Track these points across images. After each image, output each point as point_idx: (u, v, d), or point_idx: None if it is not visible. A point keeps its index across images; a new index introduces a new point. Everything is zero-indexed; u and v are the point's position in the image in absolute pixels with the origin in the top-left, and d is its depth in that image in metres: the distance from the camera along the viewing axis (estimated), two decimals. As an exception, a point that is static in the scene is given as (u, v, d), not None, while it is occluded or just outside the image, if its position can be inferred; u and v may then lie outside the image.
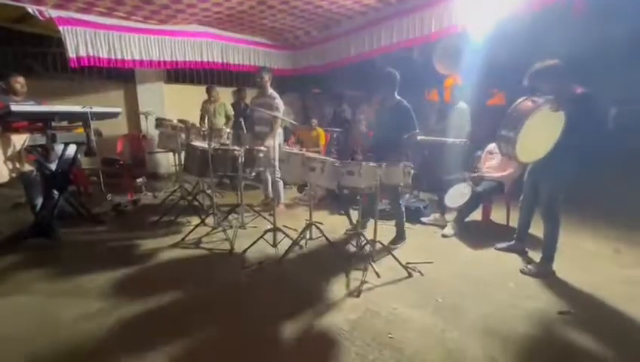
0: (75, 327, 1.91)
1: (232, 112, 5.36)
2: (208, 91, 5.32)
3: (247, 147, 3.28)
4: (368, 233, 3.12)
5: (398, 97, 3.01)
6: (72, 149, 3.28)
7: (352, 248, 2.94)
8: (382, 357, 1.70)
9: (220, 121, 5.26)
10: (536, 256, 2.75)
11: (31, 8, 3.68)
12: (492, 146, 3.69)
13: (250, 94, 6.18)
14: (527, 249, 2.93)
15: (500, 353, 1.74)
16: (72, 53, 4.08)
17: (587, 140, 2.24)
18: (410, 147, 3.04)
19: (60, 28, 3.94)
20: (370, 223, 3.27)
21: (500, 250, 2.98)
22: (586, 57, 2.31)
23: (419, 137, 3.11)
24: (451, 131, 4.49)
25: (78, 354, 1.72)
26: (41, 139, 2.79)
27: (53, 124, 2.81)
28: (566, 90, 2.28)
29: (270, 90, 3.89)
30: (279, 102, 3.83)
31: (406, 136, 2.92)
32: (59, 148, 3.15)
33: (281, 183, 4.12)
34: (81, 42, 4.12)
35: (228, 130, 3.89)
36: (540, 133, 2.27)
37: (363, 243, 2.81)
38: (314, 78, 7.07)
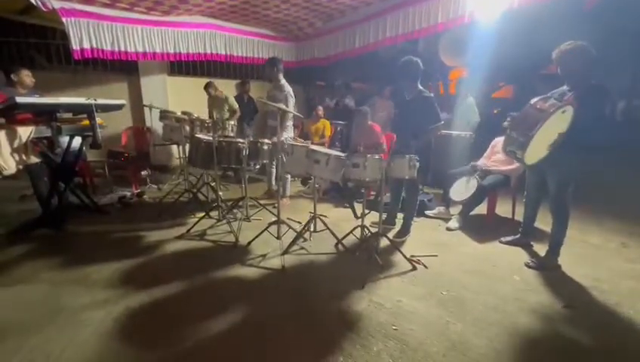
0: (82, 316, 1.94)
1: (236, 106, 5.32)
2: (205, 89, 5.29)
3: (252, 139, 3.27)
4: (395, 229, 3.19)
5: (420, 87, 2.88)
6: (77, 141, 3.29)
7: (356, 240, 2.94)
8: (386, 348, 1.71)
9: (224, 116, 5.23)
10: (541, 249, 2.75)
11: (34, -1, 3.67)
12: (496, 140, 3.65)
13: (254, 86, 6.16)
14: (532, 243, 2.92)
15: (503, 346, 1.74)
16: (75, 45, 4.07)
17: (593, 132, 2.21)
18: (432, 139, 2.93)
19: (64, 19, 3.92)
20: (398, 219, 3.28)
21: (505, 243, 2.97)
22: (595, 50, 2.27)
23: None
24: (458, 124, 4.45)
25: (85, 342, 1.74)
26: (46, 131, 2.80)
27: (58, 116, 2.82)
28: (586, 78, 2.26)
29: (280, 82, 3.85)
30: (287, 94, 3.79)
31: (430, 127, 2.82)
32: (64, 140, 3.17)
33: (288, 177, 4.11)
34: (84, 34, 4.11)
35: (232, 122, 3.87)
36: (545, 135, 2.25)
37: (367, 236, 2.82)
38: (318, 70, 7.00)
